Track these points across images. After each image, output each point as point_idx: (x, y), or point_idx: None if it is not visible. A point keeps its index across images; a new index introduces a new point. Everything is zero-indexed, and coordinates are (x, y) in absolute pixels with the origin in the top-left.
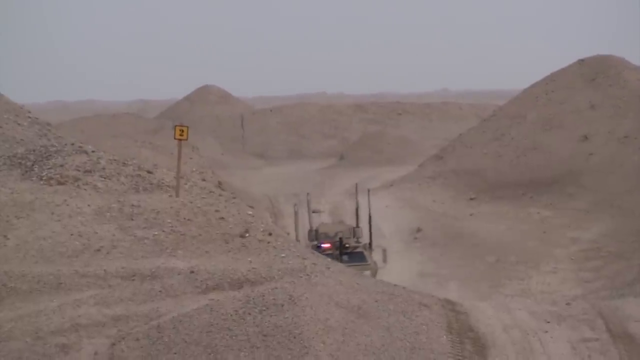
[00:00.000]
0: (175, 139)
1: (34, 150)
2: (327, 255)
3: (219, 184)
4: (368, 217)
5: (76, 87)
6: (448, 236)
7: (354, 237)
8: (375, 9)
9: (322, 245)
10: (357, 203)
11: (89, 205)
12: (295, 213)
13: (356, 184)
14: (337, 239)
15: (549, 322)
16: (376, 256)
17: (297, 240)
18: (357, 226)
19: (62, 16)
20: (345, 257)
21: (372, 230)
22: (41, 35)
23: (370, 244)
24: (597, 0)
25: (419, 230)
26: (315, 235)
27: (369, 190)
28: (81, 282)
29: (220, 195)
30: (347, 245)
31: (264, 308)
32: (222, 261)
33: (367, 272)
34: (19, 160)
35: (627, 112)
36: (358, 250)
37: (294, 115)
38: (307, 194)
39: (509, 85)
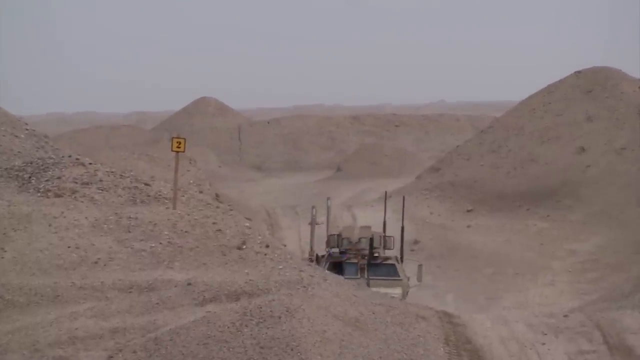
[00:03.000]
0: (172, 151)
1: (31, 163)
2: (350, 265)
3: (216, 196)
4: (401, 228)
5: (75, 99)
6: (445, 248)
7: (384, 247)
8: (372, 22)
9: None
10: (384, 212)
11: (86, 218)
12: (313, 218)
13: (385, 192)
14: (360, 247)
15: (546, 334)
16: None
17: (312, 249)
18: (388, 235)
19: (60, 28)
20: (373, 270)
21: (403, 243)
22: (39, 47)
23: (401, 257)
24: (594, 12)
25: (416, 242)
26: (337, 241)
27: (404, 198)
28: (78, 295)
29: (217, 207)
30: (376, 255)
31: (261, 320)
32: (219, 273)
33: (398, 290)
34: (16, 173)
35: (624, 123)
36: (389, 262)
37: (291, 127)
38: (328, 198)
39: (506, 97)
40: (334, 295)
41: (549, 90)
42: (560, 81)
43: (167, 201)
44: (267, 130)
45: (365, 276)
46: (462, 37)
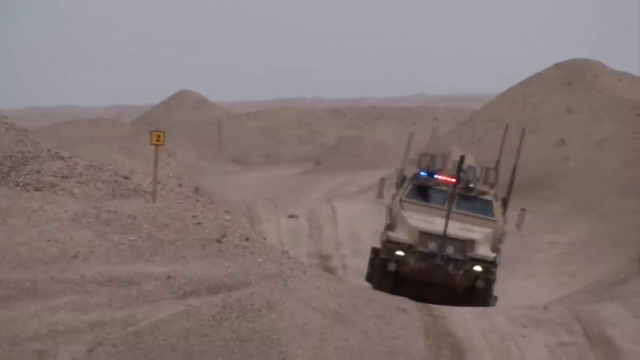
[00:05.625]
0: (151, 144)
1: (10, 157)
2: (438, 191)
3: (196, 190)
4: (513, 167)
5: (54, 92)
6: None
7: (485, 181)
8: (351, 14)
9: (437, 175)
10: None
11: (65, 211)
12: (410, 135)
13: (506, 125)
14: (458, 171)
15: (526, 327)
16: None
17: (402, 170)
18: (494, 169)
19: (39, 21)
20: (463, 202)
21: (513, 183)
22: (18, 40)
23: (506, 201)
24: (574, 4)
25: None
26: (430, 162)
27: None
28: (58, 288)
29: (197, 200)
30: (471, 186)
31: (241, 313)
32: (199, 266)
33: (487, 231)
34: None
35: (603, 115)
36: (486, 197)
37: (271, 120)
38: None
39: (486, 90)
40: (314, 288)
41: (529, 82)
42: (540, 73)
43: (146, 194)
44: (247, 123)
45: (453, 204)
46: (441, 29)
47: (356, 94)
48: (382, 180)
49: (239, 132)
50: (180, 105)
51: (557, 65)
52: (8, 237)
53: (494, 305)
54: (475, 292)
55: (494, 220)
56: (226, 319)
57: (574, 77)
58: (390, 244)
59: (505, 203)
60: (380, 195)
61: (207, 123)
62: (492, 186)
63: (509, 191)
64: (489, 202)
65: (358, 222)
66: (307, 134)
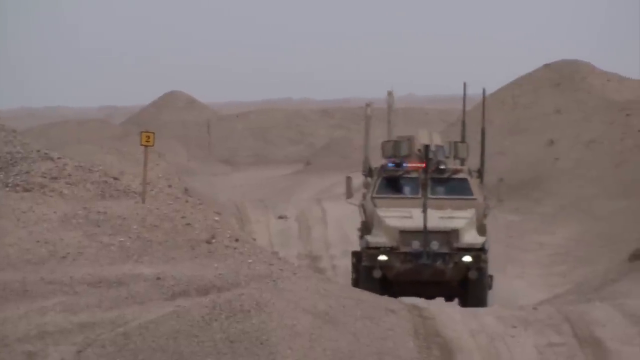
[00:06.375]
0: (141, 145)
1: None
2: (409, 180)
3: (185, 190)
4: (481, 130)
5: (45, 93)
6: None
7: (456, 156)
8: (340, 15)
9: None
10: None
11: (55, 212)
12: (367, 118)
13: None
14: (425, 152)
15: (515, 327)
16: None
17: (366, 157)
18: (463, 141)
19: (29, 22)
20: (437, 186)
21: (484, 154)
22: (9, 40)
23: (480, 173)
24: (563, 5)
25: None
26: (394, 148)
27: (484, 90)
28: (47, 289)
29: (186, 201)
30: (442, 168)
31: (230, 314)
32: (189, 267)
33: (469, 214)
34: None
35: (592, 116)
36: (460, 176)
37: (260, 121)
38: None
39: (475, 90)
40: (303, 289)
41: (518, 83)
42: (529, 74)
43: (136, 195)
44: (236, 124)
45: (427, 194)
46: (431, 30)
47: (345, 95)
48: (349, 178)
49: (228, 133)
50: (170, 106)
51: (546, 66)
52: None
53: (490, 286)
54: (469, 283)
55: (474, 199)
56: (216, 320)
57: (563, 78)
58: (371, 250)
59: (480, 174)
60: (349, 195)
61: (197, 124)
62: (464, 160)
63: (482, 160)
64: (465, 180)
65: (347, 223)
66: (296, 135)
